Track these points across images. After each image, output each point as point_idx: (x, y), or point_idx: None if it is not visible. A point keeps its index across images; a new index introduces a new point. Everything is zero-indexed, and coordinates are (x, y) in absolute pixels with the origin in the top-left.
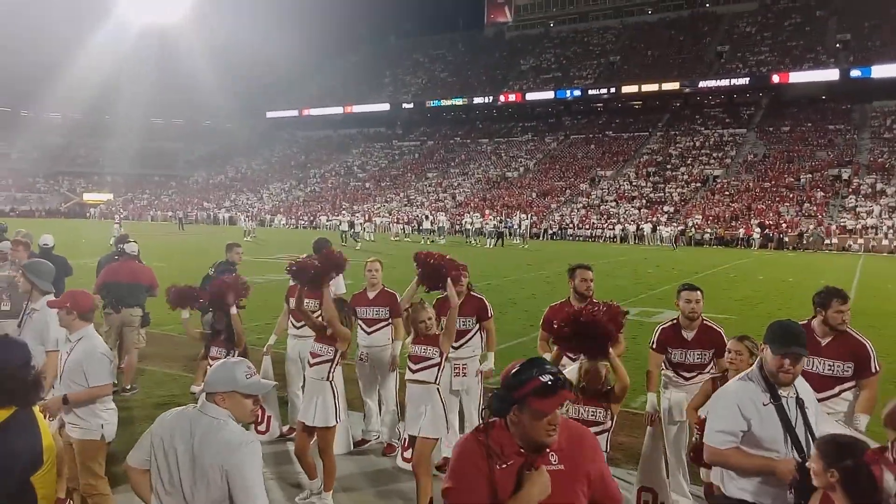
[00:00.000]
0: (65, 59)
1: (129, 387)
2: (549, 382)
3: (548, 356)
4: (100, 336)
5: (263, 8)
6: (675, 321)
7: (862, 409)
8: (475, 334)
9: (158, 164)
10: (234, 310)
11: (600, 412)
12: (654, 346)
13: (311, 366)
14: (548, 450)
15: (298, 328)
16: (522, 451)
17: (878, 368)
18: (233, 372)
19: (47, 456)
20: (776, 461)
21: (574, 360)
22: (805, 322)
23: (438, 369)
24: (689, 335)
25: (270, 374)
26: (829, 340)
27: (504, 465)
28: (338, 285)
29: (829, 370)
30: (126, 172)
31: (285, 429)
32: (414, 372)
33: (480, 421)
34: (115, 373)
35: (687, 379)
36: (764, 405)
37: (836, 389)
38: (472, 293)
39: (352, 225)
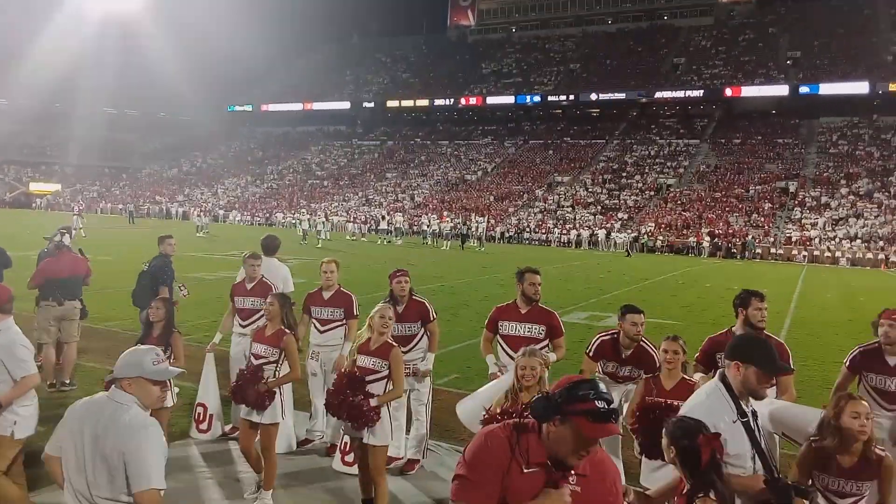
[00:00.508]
0: (16, 46)
1: (67, 381)
2: (603, 410)
3: (490, 358)
4: (19, 328)
5: (226, 1)
6: (615, 335)
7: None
8: (421, 337)
9: (110, 156)
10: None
11: None
12: (591, 354)
13: None
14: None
15: (244, 327)
16: (549, 462)
17: (794, 367)
18: (140, 358)
19: None
20: (749, 479)
21: (513, 359)
22: (726, 330)
23: (386, 382)
24: (625, 353)
25: (214, 371)
26: None
27: (526, 471)
28: (286, 282)
29: None
30: (76, 163)
31: (227, 428)
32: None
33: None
34: (55, 369)
35: (618, 382)
36: (733, 422)
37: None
38: (414, 297)
39: (312, 223)
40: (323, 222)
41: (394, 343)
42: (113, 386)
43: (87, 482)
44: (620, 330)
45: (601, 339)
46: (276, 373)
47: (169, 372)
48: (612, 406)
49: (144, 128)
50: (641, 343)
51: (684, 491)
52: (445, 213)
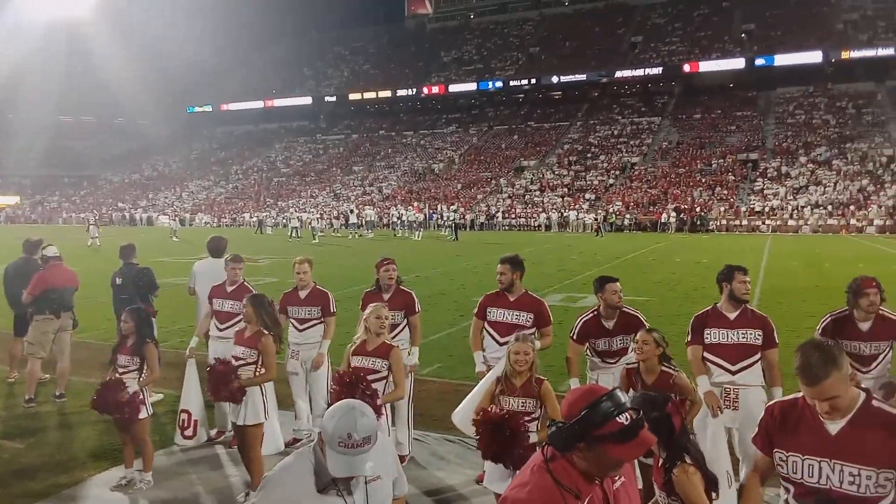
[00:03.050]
0: None
1: (58, 393)
2: (629, 424)
3: (479, 355)
4: None
5: (181, 1)
6: (595, 312)
7: (774, 383)
8: (403, 328)
9: (69, 164)
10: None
11: (530, 402)
12: (575, 337)
13: None
14: None
15: (222, 330)
16: (595, 481)
17: (777, 341)
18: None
19: None
20: None
21: (502, 345)
22: (710, 307)
23: (385, 383)
24: (609, 324)
25: (195, 376)
26: (738, 314)
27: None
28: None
29: (743, 338)
30: (34, 174)
31: (213, 432)
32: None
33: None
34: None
35: (612, 364)
36: None
37: (751, 360)
38: (400, 287)
39: (302, 221)
40: (317, 219)
41: (393, 343)
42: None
43: None
44: (601, 303)
45: (582, 320)
46: (256, 374)
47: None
48: (637, 414)
49: (103, 134)
50: (623, 310)
51: (660, 463)
52: (416, 204)
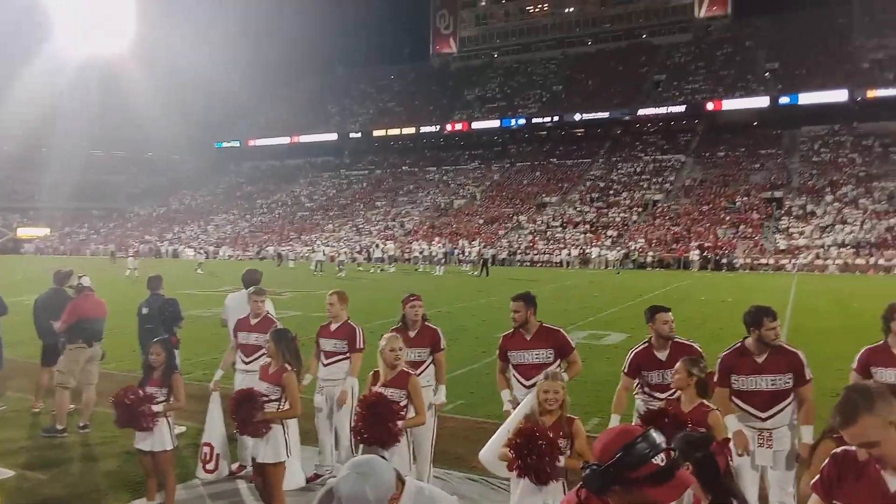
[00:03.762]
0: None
1: (82, 424)
2: (665, 466)
3: (505, 394)
4: None
5: (209, 39)
6: (646, 343)
7: (805, 421)
8: (428, 365)
9: (99, 197)
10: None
11: (561, 442)
12: (626, 371)
13: None
14: None
15: (247, 363)
16: None
17: (811, 376)
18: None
19: None
20: None
21: (529, 388)
22: (738, 344)
23: (405, 412)
24: (662, 355)
25: (219, 409)
26: (766, 356)
27: None
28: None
29: (772, 385)
30: (64, 206)
31: (234, 466)
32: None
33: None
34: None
35: (662, 399)
36: None
37: (782, 405)
38: (426, 323)
39: (329, 256)
40: (345, 252)
41: (409, 371)
42: None
43: None
44: (652, 333)
45: (634, 352)
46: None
47: None
48: (672, 454)
49: (132, 168)
50: (676, 340)
51: None
52: (437, 239)
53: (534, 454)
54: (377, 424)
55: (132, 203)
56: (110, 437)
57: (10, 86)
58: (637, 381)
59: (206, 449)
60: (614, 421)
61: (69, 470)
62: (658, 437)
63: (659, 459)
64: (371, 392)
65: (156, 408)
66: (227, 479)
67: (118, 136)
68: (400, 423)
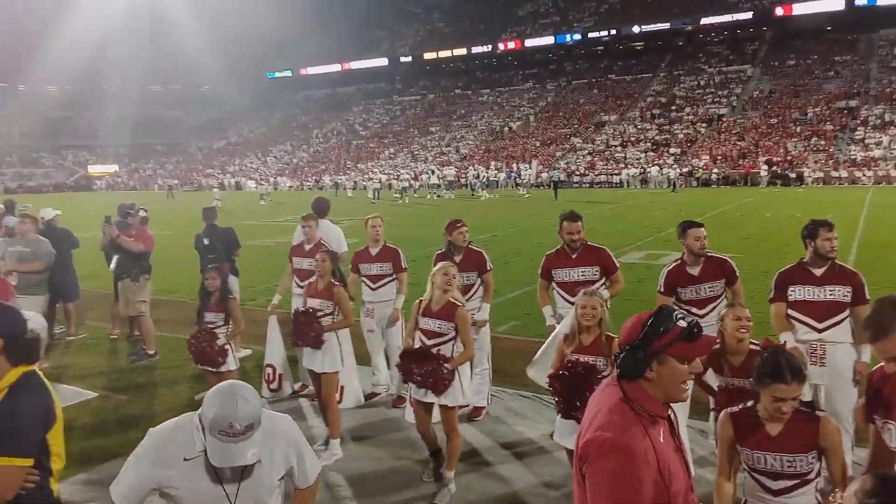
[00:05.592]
0: (54, 30)
1: (151, 352)
2: (692, 327)
3: (547, 310)
4: None
5: None
6: (679, 261)
7: (864, 341)
8: (478, 287)
9: (159, 133)
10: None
11: (601, 360)
12: (662, 290)
13: None
14: None
15: (303, 287)
16: (670, 416)
17: (870, 297)
18: None
19: (58, 412)
20: None
21: (571, 304)
22: (797, 262)
23: (454, 343)
24: (695, 271)
25: (278, 332)
26: (825, 270)
27: (659, 434)
28: (340, 243)
29: (831, 295)
30: (128, 143)
31: (297, 386)
32: (429, 347)
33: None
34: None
35: (701, 317)
36: None
37: (839, 317)
38: (471, 247)
39: (382, 183)
40: (410, 181)
41: (458, 302)
42: None
43: None
44: (684, 249)
45: (666, 270)
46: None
47: None
48: (694, 319)
49: (190, 102)
50: (710, 255)
51: None
52: (494, 163)
53: (572, 394)
54: (421, 374)
55: (191, 137)
56: (180, 361)
57: (64, 25)
58: (672, 298)
59: (269, 370)
60: None
61: (146, 392)
62: (672, 309)
63: (686, 323)
64: (413, 331)
65: (220, 341)
66: (290, 397)
67: (173, 71)
68: (448, 365)
